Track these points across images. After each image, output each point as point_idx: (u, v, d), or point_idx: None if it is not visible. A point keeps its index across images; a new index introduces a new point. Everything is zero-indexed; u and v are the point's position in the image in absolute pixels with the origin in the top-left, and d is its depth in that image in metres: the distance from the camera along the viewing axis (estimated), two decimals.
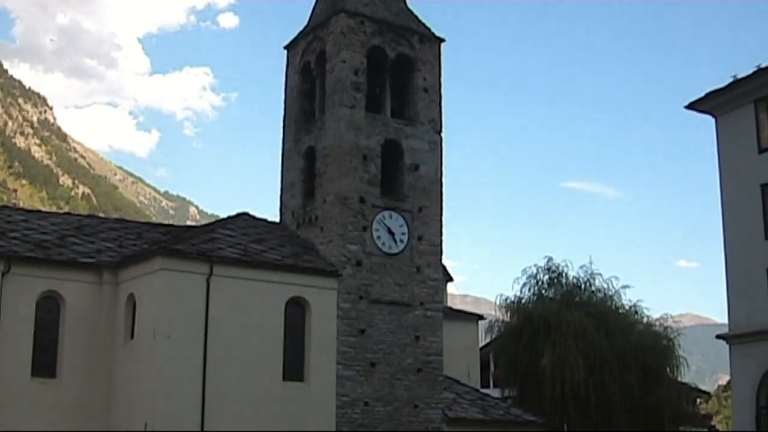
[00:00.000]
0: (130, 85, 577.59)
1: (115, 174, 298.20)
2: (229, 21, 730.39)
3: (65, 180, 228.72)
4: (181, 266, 34.16)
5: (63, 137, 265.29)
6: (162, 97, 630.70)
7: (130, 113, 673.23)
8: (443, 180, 40.81)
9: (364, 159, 38.66)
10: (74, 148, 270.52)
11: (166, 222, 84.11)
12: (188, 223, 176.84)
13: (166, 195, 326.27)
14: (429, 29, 42.08)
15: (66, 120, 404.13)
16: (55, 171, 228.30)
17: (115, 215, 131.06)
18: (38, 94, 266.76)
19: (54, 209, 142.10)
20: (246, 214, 41.27)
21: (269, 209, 42.96)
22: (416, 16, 42.27)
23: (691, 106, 39.56)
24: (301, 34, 42.40)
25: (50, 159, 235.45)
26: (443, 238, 40.16)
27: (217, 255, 35.13)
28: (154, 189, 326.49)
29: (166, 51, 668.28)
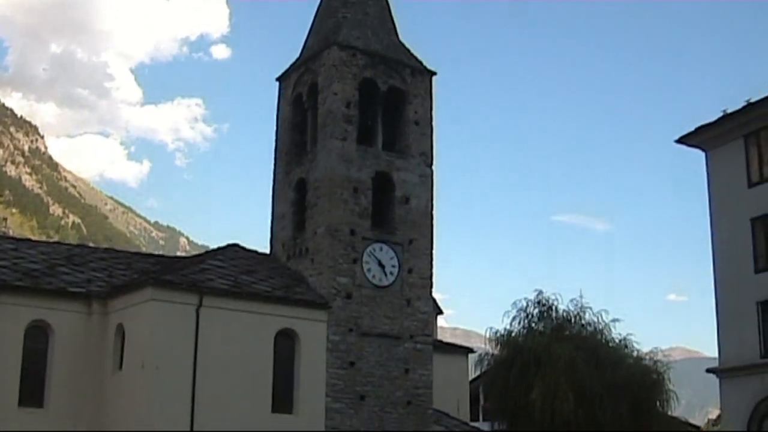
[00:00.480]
0: (122, 115, 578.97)
1: (106, 204, 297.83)
2: (221, 52, 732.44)
3: (55, 209, 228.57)
4: (171, 297, 34.02)
5: (54, 166, 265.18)
6: (154, 128, 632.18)
7: (122, 143, 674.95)
8: (434, 213, 40.88)
9: (355, 191, 38.68)
10: (65, 177, 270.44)
11: (156, 252, 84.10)
12: (178, 253, 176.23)
13: (156, 225, 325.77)
14: (420, 62, 42.22)
15: (57, 149, 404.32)
16: (45, 200, 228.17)
17: (105, 245, 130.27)
18: (30, 123, 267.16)
19: (44, 238, 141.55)
20: (236, 245, 41.21)
21: (260, 241, 43.04)
22: (408, 50, 42.43)
23: (681, 141, 39.69)
24: (293, 66, 42.53)
25: (41, 188, 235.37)
26: (433, 270, 40.22)
27: (207, 286, 35.02)
28: (145, 219, 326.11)
29: (158, 81, 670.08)
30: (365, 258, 38.18)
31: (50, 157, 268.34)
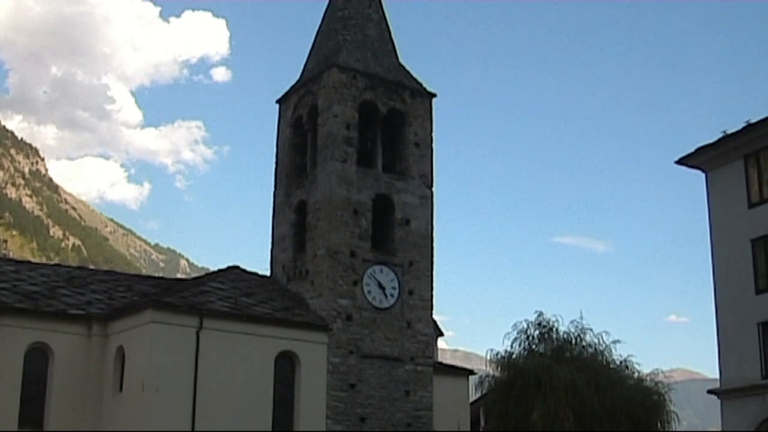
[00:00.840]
0: (123, 138, 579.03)
1: (106, 226, 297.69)
2: (222, 75, 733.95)
3: (56, 231, 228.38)
4: (171, 319, 34.04)
5: (54, 188, 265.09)
6: (154, 150, 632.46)
7: (122, 165, 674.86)
8: (434, 234, 40.89)
9: (355, 213, 38.73)
10: (65, 199, 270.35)
11: (156, 275, 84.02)
12: (178, 276, 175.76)
13: (156, 247, 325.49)
14: (420, 84, 42.32)
15: (57, 171, 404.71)
16: (45, 222, 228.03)
17: (106, 267, 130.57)
18: (30, 145, 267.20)
19: (44, 260, 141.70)
20: (236, 267, 41.23)
21: (260, 263, 43.07)
22: (408, 72, 42.53)
23: (681, 162, 39.62)
24: (294, 89, 42.64)
25: (41, 210, 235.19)
26: (434, 292, 40.24)
27: (208, 308, 35.05)
28: (145, 241, 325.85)
29: (158, 104, 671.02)
30: (365, 280, 38.26)
31: (50, 179, 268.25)
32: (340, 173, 38.76)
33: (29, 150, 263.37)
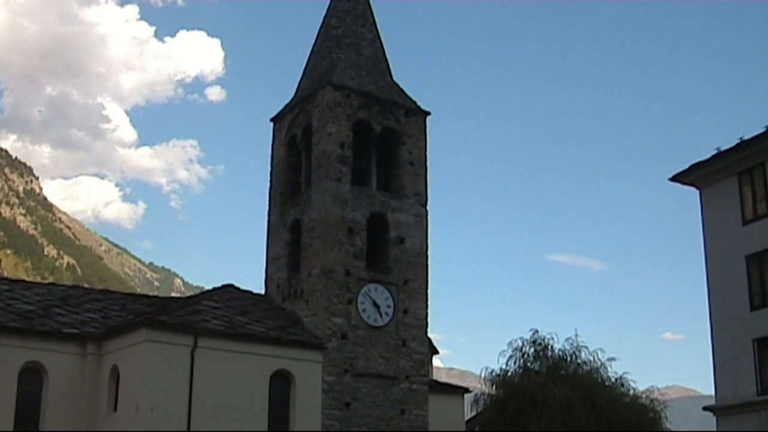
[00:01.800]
0: (118, 157, 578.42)
1: (101, 245, 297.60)
2: (216, 94, 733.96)
3: (50, 250, 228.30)
4: (166, 338, 33.95)
5: (48, 207, 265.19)
6: (149, 169, 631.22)
7: (117, 185, 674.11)
8: (429, 253, 40.90)
9: (350, 232, 38.73)
10: (59, 218, 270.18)
11: (150, 294, 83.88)
12: (173, 295, 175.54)
13: (151, 267, 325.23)
14: (415, 103, 42.39)
15: (52, 190, 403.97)
16: (39, 241, 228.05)
17: (100, 286, 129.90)
18: (24, 164, 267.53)
19: (38, 279, 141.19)
20: (231, 286, 41.17)
21: (254, 282, 43.08)
22: (402, 90, 42.60)
23: (675, 179, 39.65)
24: (288, 107, 42.70)
25: (35, 229, 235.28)
26: (429, 311, 40.21)
27: (202, 327, 34.96)
28: (140, 260, 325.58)
29: (153, 123, 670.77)
30: (360, 299, 38.23)
31: (45, 198, 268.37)
32: (335, 192, 38.77)
33: (24, 169, 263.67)
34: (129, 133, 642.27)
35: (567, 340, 44.47)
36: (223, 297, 39.34)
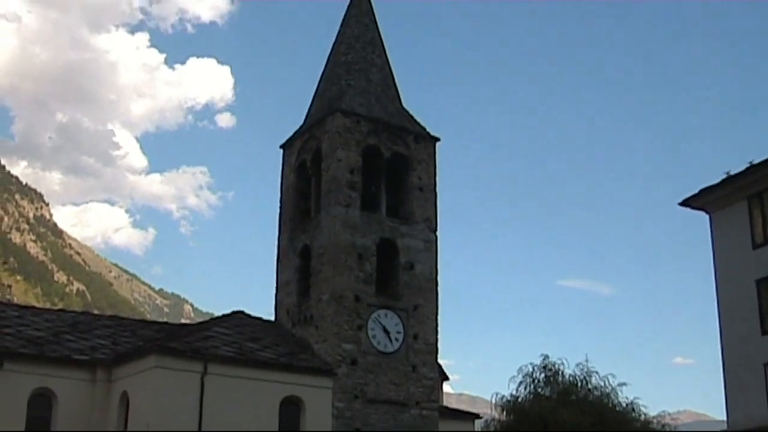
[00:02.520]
0: (128, 183, 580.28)
1: (110, 271, 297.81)
2: (226, 121, 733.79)
3: (60, 276, 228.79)
4: (176, 364, 33.87)
5: (58, 234, 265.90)
6: (159, 196, 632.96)
7: (127, 211, 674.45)
8: (438, 279, 40.88)
9: (360, 258, 38.71)
10: (69, 244, 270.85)
11: (160, 320, 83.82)
12: (183, 321, 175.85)
13: (161, 293, 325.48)
14: (424, 129, 42.48)
15: (62, 217, 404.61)
16: (50, 267, 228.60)
17: (110, 312, 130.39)
18: (35, 191, 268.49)
19: (48, 305, 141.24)
20: (241, 312, 41.14)
21: (264, 308, 43.07)
22: (411, 116, 42.70)
23: (685, 203, 39.60)
24: (297, 133, 42.81)
25: (45, 255, 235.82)
26: (439, 336, 40.14)
27: (212, 353, 34.89)
28: (149, 286, 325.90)
29: (163, 150, 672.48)
30: (370, 324, 38.14)
31: (55, 225, 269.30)
32: (344, 218, 38.79)
33: (34, 195, 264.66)
34: (139, 160, 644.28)
35: (577, 365, 44.37)
36: (233, 323, 39.27)
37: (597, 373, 44.51)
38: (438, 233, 41.43)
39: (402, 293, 39.52)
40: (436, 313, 40.33)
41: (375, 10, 44.47)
